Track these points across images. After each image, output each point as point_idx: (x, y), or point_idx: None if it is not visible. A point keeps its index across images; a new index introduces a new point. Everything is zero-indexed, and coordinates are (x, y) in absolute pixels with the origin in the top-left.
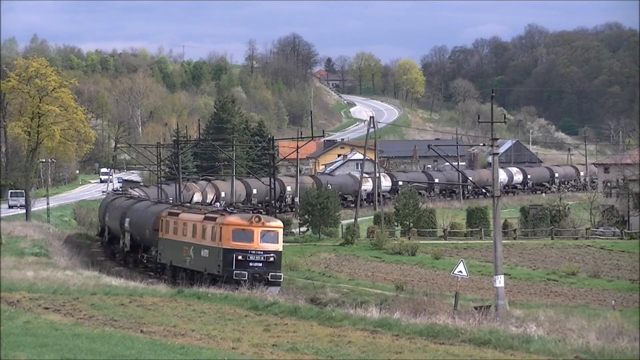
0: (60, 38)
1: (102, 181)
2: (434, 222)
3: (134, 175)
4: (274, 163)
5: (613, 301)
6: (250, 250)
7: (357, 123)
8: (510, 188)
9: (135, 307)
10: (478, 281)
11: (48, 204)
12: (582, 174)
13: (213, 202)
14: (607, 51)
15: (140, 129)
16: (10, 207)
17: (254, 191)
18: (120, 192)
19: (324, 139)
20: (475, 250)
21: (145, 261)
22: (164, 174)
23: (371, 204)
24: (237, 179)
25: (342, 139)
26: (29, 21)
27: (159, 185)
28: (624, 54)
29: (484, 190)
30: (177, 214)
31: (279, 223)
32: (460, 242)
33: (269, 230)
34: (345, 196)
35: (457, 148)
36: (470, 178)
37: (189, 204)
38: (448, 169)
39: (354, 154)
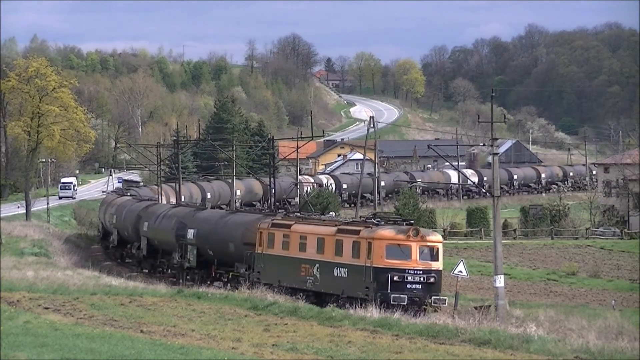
0: (60, 38)
1: (60, 198)
2: (434, 222)
3: (134, 175)
4: (274, 163)
5: (613, 301)
6: (408, 269)
7: (357, 123)
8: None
9: (135, 307)
10: (478, 281)
11: (48, 204)
12: (571, 174)
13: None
14: (607, 51)
15: (140, 129)
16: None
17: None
18: (120, 193)
19: (324, 139)
20: (475, 250)
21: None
22: (164, 174)
23: (371, 203)
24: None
25: (342, 139)
26: (29, 21)
27: (159, 185)
28: (623, 53)
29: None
30: (288, 226)
31: (439, 237)
32: (460, 242)
33: (428, 246)
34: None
35: (457, 148)
36: (420, 180)
37: (297, 214)
38: (399, 174)
39: (354, 154)
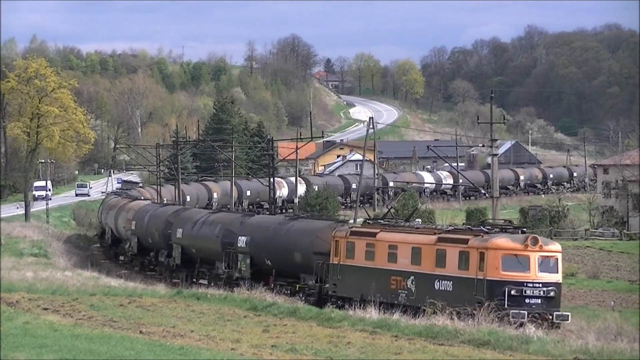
0: (60, 38)
1: (35, 198)
2: (433, 222)
3: (133, 176)
4: (274, 164)
5: (612, 302)
6: (527, 282)
7: (357, 124)
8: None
9: (134, 308)
10: None
11: (47, 204)
12: (575, 174)
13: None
14: (606, 52)
15: (139, 130)
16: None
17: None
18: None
19: (324, 139)
20: None
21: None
22: (163, 174)
23: (370, 204)
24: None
25: (342, 140)
26: (28, 21)
27: (159, 185)
28: (623, 54)
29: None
30: (373, 234)
31: (558, 246)
32: None
33: (548, 256)
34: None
35: (457, 149)
36: (392, 182)
37: (380, 221)
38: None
39: (353, 154)
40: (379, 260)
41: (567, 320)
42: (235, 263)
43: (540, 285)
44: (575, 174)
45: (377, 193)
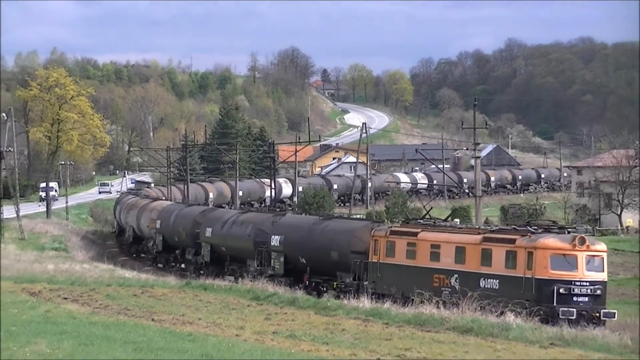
0: (78, 50)
1: (42, 199)
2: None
3: (145, 177)
4: (275, 165)
5: None
6: (575, 281)
7: (351, 129)
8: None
9: (146, 298)
10: None
11: (67, 202)
12: (543, 175)
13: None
14: (580, 63)
15: (151, 134)
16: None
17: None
18: (133, 193)
19: (320, 143)
20: None
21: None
22: (173, 175)
23: (362, 202)
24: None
25: (337, 144)
26: (50, 35)
27: (169, 185)
28: (595, 65)
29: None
30: (414, 234)
31: (604, 246)
32: None
33: (594, 255)
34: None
35: (442, 152)
36: (370, 182)
37: (420, 220)
38: (349, 177)
39: (348, 157)
40: (420, 258)
41: (614, 317)
42: (267, 261)
43: (588, 283)
44: (543, 176)
45: (358, 193)
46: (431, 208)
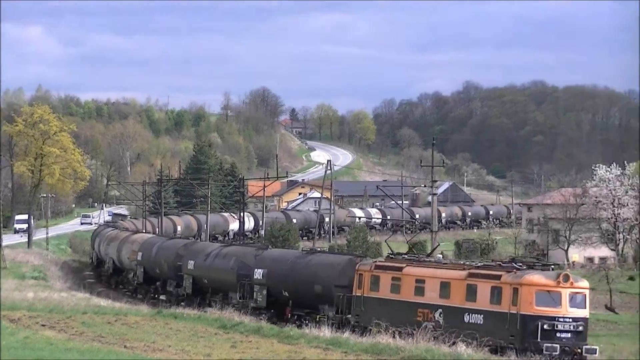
0: (62, 88)
1: (16, 231)
2: (381, 253)
3: (122, 209)
4: (244, 200)
5: None
6: (558, 317)
7: (316, 166)
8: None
9: (120, 325)
10: None
11: (47, 233)
12: (491, 212)
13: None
14: (532, 105)
15: (128, 169)
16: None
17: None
18: (110, 225)
19: (288, 179)
20: None
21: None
22: (148, 208)
23: (325, 236)
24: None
25: (303, 180)
26: (35, 73)
27: (144, 218)
28: (547, 107)
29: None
30: (399, 268)
31: (586, 283)
32: None
33: (577, 292)
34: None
35: (402, 188)
36: (327, 218)
37: (404, 256)
38: (307, 212)
39: (313, 192)
40: (405, 293)
41: (595, 354)
42: (250, 293)
43: (571, 320)
44: (491, 212)
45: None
46: (438, 245)
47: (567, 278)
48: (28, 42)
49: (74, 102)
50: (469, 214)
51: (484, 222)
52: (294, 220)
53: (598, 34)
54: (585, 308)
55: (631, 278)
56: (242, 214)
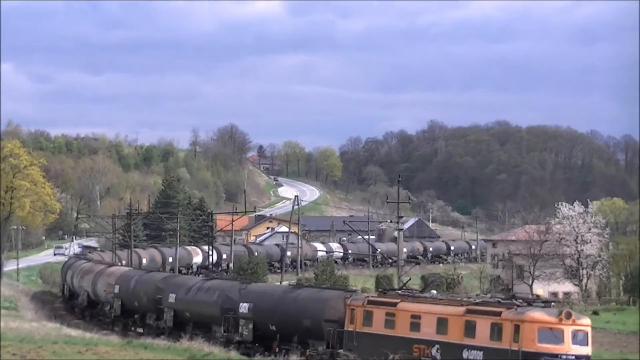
0: (32, 123)
1: None
2: (347, 287)
3: (92, 242)
4: (212, 233)
5: None
6: (561, 354)
7: (284, 201)
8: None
9: (90, 355)
10: None
11: (18, 265)
12: (452, 248)
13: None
14: (496, 144)
15: (98, 202)
16: None
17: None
18: (82, 257)
19: (255, 214)
20: None
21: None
22: (118, 241)
23: (294, 269)
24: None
25: (271, 214)
26: (5, 108)
27: (114, 250)
28: (510, 147)
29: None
30: (393, 304)
31: (588, 321)
32: None
33: (579, 330)
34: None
35: (368, 224)
36: (257, 252)
37: (395, 291)
38: (269, 246)
39: (281, 227)
40: (400, 328)
41: None
42: (234, 327)
43: (574, 357)
44: (452, 248)
45: (277, 261)
46: (409, 279)
47: (569, 315)
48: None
49: (44, 137)
50: (430, 249)
51: (445, 257)
52: (256, 254)
53: (560, 77)
54: (588, 345)
55: (595, 313)
56: (211, 247)
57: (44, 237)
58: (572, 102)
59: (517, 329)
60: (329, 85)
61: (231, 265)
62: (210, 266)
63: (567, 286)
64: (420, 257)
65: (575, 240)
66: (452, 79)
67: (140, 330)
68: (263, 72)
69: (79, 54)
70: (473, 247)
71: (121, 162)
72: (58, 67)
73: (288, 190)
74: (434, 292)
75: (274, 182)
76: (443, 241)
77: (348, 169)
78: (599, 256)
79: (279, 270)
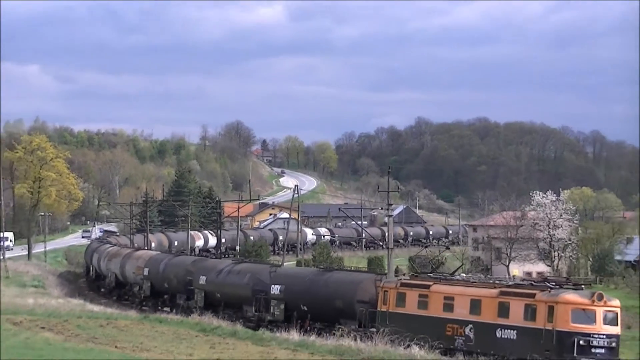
0: (57, 120)
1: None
2: (342, 267)
3: (112, 227)
4: (220, 219)
5: None
6: (593, 334)
7: (285, 190)
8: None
9: (111, 328)
10: None
11: (45, 247)
12: (450, 232)
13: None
14: (477, 139)
15: (117, 191)
16: None
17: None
18: (104, 241)
19: (259, 201)
20: None
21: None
22: (135, 226)
23: (288, 252)
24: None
25: (273, 202)
26: (33, 106)
27: (132, 235)
28: (489, 141)
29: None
30: (426, 286)
31: (618, 302)
32: None
33: (611, 311)
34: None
35: (361, 211)
36: (252, 237)
37: (430, 274)
38: (263, 231)
39: (282, 213)
40: (433, 309)
41: None
42: (265, 307)
43: (605, 336)
44: (431, 232)
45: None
46: (463, 264)
47: (601, 297)
48: (27, 79)
49: (68, 132)
50: (411, 233)
51: (424, 241)
52: (251, 238)
53: (535, 78)
54: (617, 325)
55: None
56: (219, 231)
57: (68, 223)
58: (546, 100)
59: (551, 310)
60: (326, 86)
61: (237, 248)
62: (217, 250)
63: (540, 267)
64: (401, 240)
65: (547, 225)
66: (437, 80)
67: (169, 309)
68: (266, 74)
69: (99, 57)
70: (450, 231)
71: (138, 154)
72: (80, 69)
73: (289, 180)
74: (464, 275)
75: (281, 173)
76: (422, 226)
77: (343, 161)
78: (569, 240)
79: (272, 253)
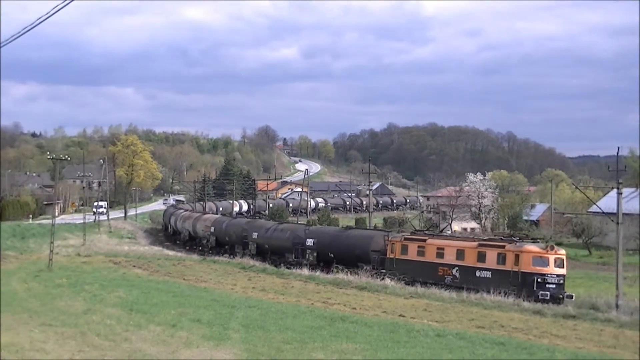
0: (144, 124)
1: (95, 212)
2: (337, 225)
3: (181, 197)
4: (255, 192)
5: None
6: (548, 274)
7: (299, 172)
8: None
9: (180, 267)
10: None
11: (136, 211)
12: (380, 201)
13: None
14: (429, 137)
15: (185, 173)
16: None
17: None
18: (178, 207)
19: (281, 180)
20: None
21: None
22: (198, 196)
23: (298, 215)
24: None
25: (290, 181)
26: (129, 115)
27: (195, 202)
28: (438, 139)
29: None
30: (423, 240)
31: (564, 252)
32: None
33: (559, 257)
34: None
35: (350, 186)
36: (271, 205)
37: (425, 231)
38: (279, 200)
39: (297, 188)
40: (429, 256)
41: (572, 298)
42: (301, 254)
43: (555, 276)
44: (395, 201)
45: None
46: (450, 223)
47: (552, 247)
48: (125, 97)
49: (152, 133)
50: (380, 201)
51: (390, 207)
52: (271, 205)
53: (469, 95)
54: (564, 268)
55: None
56: (254, 201)
57: (151, 195)
58: (476, 111)
59: (517, 257)
60: (326, 101)
61: (266, 211)
62: (249, 213)
63: (473, 224)
64: (374, 206)
65: (477, 196)
66: (403, 97)
67: (226, 256)
68: (286, 93)
69: (174, 82)
70: (408, 200)
71: (199, 148)
72: (161, 90)
73: (302, 166)
74: (449, 232)
75: (297, 161)
76: (389, 196)
77: (338, 152)
78: (492, 206)
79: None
